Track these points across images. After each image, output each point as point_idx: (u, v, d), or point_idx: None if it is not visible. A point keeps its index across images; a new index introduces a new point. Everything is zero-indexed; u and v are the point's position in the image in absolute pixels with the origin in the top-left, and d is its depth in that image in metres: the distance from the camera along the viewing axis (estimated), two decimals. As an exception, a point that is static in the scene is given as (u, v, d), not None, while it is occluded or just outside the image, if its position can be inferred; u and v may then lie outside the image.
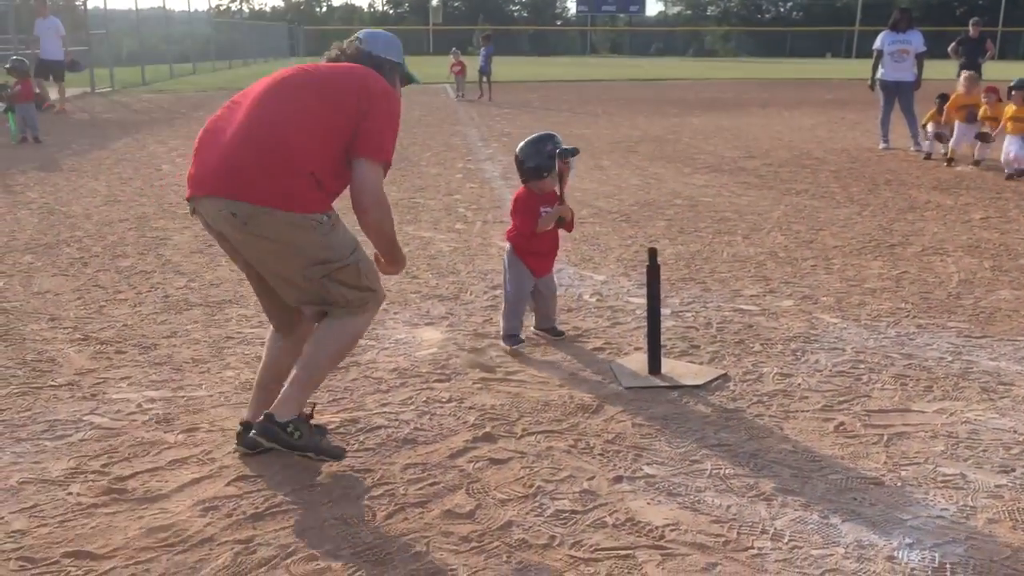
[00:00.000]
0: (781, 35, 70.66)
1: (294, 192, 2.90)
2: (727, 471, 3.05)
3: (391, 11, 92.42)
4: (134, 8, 32.38)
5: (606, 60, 59.15)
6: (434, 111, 18.80)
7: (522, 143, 4.31)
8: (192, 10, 77.80)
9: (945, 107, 11.00)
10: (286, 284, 3.05)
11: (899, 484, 2.97)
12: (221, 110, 3.12)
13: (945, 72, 14.42)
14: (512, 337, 4.26)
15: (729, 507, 2.81)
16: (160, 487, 2.92)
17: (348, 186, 3.03)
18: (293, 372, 3.09)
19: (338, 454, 3.12)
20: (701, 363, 4.12)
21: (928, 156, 11.04)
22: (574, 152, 4.20)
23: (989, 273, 5.72)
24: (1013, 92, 9.95)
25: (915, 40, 12.13)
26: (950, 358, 4.18)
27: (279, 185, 2.89)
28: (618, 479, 2.98)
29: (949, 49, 14.86)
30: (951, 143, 10.63)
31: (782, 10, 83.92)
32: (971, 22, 14.75)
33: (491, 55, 21.71)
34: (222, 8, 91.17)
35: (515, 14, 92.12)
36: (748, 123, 16.04)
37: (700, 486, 2.94)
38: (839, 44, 64.69)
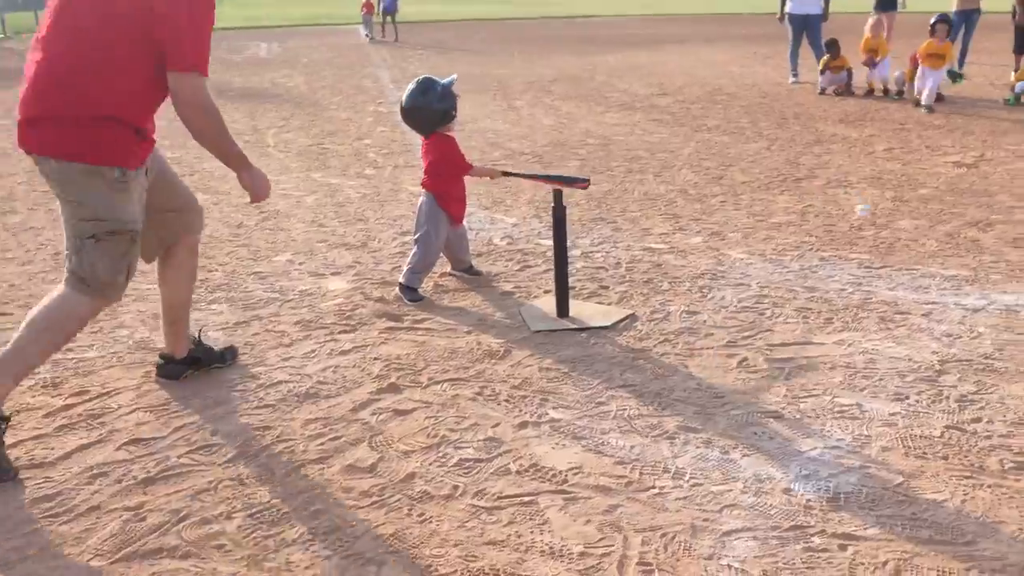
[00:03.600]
0: None
1: (88, 143, 2.68)
2: (632, 412, 3.06)
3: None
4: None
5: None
6: (344, 52, 18.32)
7: (411, 94, 4.14)
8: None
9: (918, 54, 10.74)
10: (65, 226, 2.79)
11: (798, 416, 3.01)
12: (36, 34, 2.79)
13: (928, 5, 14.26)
14: (413, 291, 4.17)
15: (633, 448, 2.81)
16: (45, 455, 2.79)
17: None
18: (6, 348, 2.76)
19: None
20: (610, 304, 4.11)
21: (823, 91, 11.19)
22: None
23: (890, 204, 5.84)
24: (936, 26, 10.00)
25: (822, -27, 12.21)
26: (851, 289, 4.26)
27: (72, 138, 2.68)
28: (523, 425, 2.96)
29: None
30: (916, 88, 10.08)
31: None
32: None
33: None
34: None
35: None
36: (663, 60, 16.03)
37: (605, 428, 2.94)
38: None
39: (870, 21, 11.06)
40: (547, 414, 3.04)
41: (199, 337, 3.39)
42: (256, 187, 2.99)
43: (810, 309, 4.01)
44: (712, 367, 3.42)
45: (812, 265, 4.63)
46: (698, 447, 2.82)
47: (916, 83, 10.11)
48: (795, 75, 12.38)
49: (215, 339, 3.62)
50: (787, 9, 12.37)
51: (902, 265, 4.61)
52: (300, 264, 4.66)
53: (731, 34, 21.90)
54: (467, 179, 4.36)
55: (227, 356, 3.44)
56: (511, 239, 5.15)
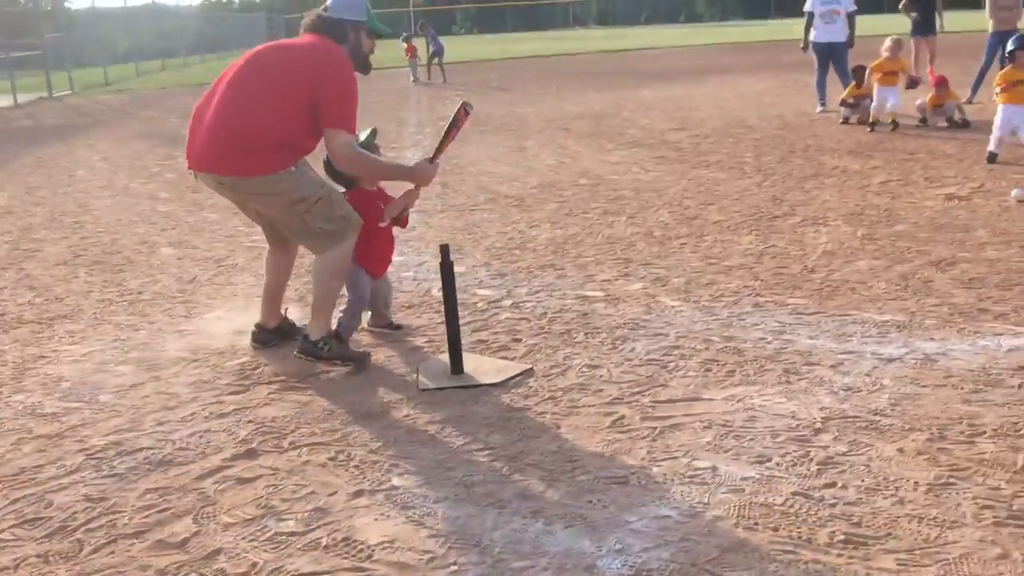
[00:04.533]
0: None
1: (262, 161, 3.71)
2: (477, 478, 2.99)
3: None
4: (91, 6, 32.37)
5: (587, 32, 58.61)
6: (386, 96, 18.64)
7: None
8: (182, 4, 77.99)
9: (866, 74, 10.59)
10: (283, 225, 3.97)
11: (644, 482, 2.90)
12: (203, 96, 3.89)
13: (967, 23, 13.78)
14: (343, 339, 4.16)
15: (458, 518, 2.74)
16: None
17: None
18: (311, 302, 3.97)
19: (361, 358, 3.98)
20: (514, 358, 4.05)
21: (846, 120, 10.89)
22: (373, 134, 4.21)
23: (857, 243, 5.62)
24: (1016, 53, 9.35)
25: (844, 0, 11.95)
26: (770, 338, 4.10)
27: (249, 158, 3.71)
28: (359, 493, 2.92)
29: (900, 6, 14.53)
30: (872, 106, 10.20)
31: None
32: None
33: (437, 36, 21.49)
34: (212, 1, 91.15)
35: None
36: (698, 92, 15.87)
37: (440, 496, 2.88)
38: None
39: (887, 43, 10.40)
40: (389, 481, 2.99)
41: (286, 314, 4.40)
42: (417, 178, 4.06)
43: (717, 361, 3.87)
44: (584, 427, 3.33)
45: (743, 312, 4.48)
46: (524, 518, 2.73)
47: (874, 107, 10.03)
48: (823, 104, 12.10)
49: (105, 402, 3.69)
50: (811, 37, 12.15)
51: (837, 310, 4.42)
52: (228, 321, 4.73)
53: (777, 62, 21.51)
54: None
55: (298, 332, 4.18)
56: (450, 290, 5.11)
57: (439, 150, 4.19)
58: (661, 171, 8.50)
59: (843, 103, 11.03)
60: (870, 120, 10.10)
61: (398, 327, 4.47)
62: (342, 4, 3.90)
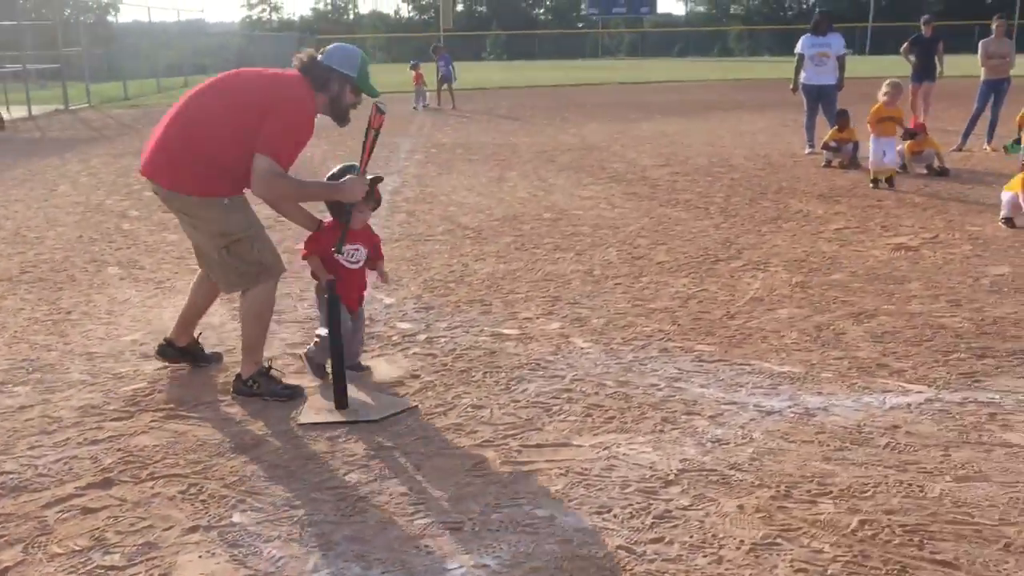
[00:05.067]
0: (798, 32, 69.10)
1: (198, 181, 3.80)
2: (317, 517, 3.01)
3: (416, 17, 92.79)
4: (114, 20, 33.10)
5: (614, 63, 58.83)
6: (388, 121, 18.77)
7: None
8: (224, 20, 79.61)
9: (867, 121, 10.38)
10: (204, 252, 4.05)
11: (478, 529, 2.91)
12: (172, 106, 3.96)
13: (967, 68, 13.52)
14: (320, 367, 4.22)
15: (280, 559, 2.77)
16: None
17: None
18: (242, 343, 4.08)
19: (292, 393, 4.00)
20: (405, 395, 4.07)
21: (828, 163, 10.85)
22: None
23: (788, 290, 5.61)
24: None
25: (835, 43, 11.97)
26: (662, 385, 4.10)
27: (186, 175, 3.81)
28: (194, 529, 2.95)
29: (901, 50, 14.51)
30: (871, 162, 9.50)
31: (804, 7, 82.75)
32: (922, 20, 14.38)
33: (450, 62, 21.66)
34: (252, 19, 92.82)
35: (540, 17, 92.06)
36: (697, 128, 15.88)
37: (272, 535, 2.90)
38: (856, 40, 63.39)
39: (885, 87, 9.92)
40: (230, 517, 3.02)
41: (198, 338, 4.43)
42: (345, 195, 3.99)
43: (601, 407, 3.88)
44: (444, 469, 3.34)
45: (647, 357, 4.48)
46: (346, 561, 2.75)
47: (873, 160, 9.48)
48: (811, 146, 12.07)
49: (-11, 423, 3.75)
50: (801, 79, 12.15)
51: (740, 359, 4.41)
52: (142, 345, 4.78)
53: (785, 101, 21.32)
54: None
55: (212, 359, 4.43)
56: (371, 320, 5.15)
57: (363, 162, 4.17)
58: (628, 208, 8.52)
59: (825, 146, 11.02)
60: (871, 178, 9.38)
61: (363, 368, 4.34)
62: (337, 55, 3.95)
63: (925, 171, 10.06)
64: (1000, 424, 3.60)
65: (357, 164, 4.08)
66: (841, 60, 11.94)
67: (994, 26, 12.55)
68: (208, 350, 4.51)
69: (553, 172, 10.94)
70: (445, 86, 21.85)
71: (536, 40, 77.82)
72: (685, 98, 23.84)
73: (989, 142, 12.19)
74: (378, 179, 4.18)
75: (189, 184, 3.83)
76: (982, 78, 12.41)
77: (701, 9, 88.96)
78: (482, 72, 40.23)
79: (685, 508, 3.00)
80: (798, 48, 12.18)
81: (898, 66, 14.84)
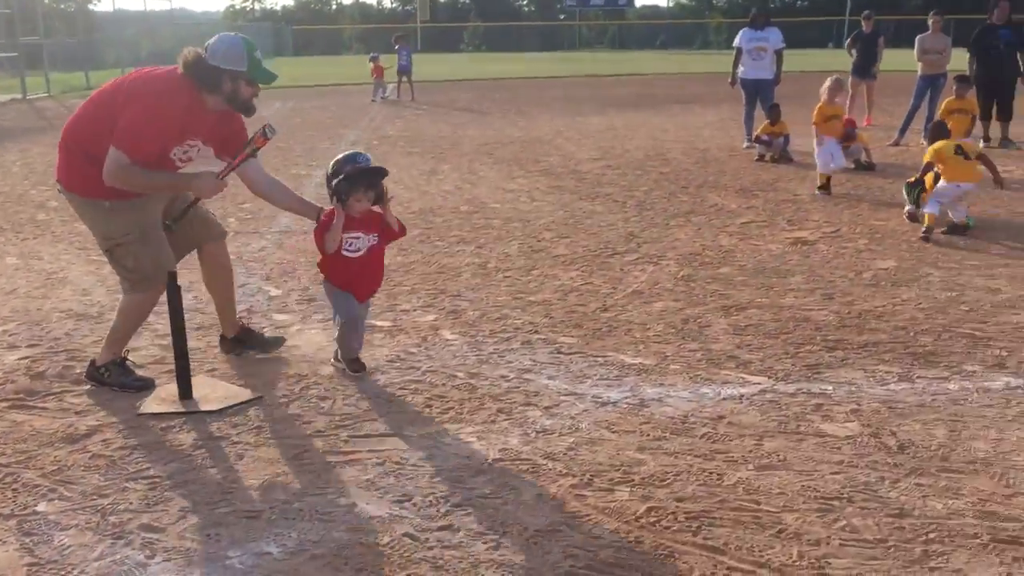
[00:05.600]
0: (784, 25, 68.90)
1: (82, 180, 3.88)
2: (121, 507, 3.04)
3: (399, 8, 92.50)
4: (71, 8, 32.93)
5: (593, 55, 58.76)
6: (343, 111, 18.80)
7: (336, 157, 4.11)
8: (210, 10, 79.42)
9: (813, 122, 10.23)
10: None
11: (275, 517, 2.95)
12: None
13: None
14: (354, 361, 4.19)
15: (68, 547, 2.80)
16: None
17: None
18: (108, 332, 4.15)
19: (140, 386, 4.03)
20: (254, 386, 4.10)
21: (761, 157, 10.94)
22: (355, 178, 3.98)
23: (671, 284, 5.67)
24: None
25: (772, 37, 12.03)
26: (512, 376, 4.15)
27: (74, 173, 3.93)
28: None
29: (845, 46, 14.63)
30: (819, 166, 8.90)
31: (786, 0, 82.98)
32: (863, 15, 14.51)
33: (410, 55, 21.63)
34: (236, 9, 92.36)
35: (524, 9, 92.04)
36: (646, 122, 15.93)
37: (70, 524, 2.93)
38: (833, 33, 63.40)
39: (827, 83, 9.38)
40: (35, 506, 3.05)
41: (245, 324, 4.58)
42: (197, 190, 3.98)
43: (443, 398, 3.93)
44: (265, 459, 3.38)
45: (508, 349, 4.53)
46: (133, 549, 2.79)
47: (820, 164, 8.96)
48: (749, 139, 12.14)
49: None
50: (739, 74, 12.22)
51: (597, 351, 4.47)
52: (11, 335, 4.80)
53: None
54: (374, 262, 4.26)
55: (270, 344, 4.49)
56: (250, 311, 5.17)
57: (226, 169, 4.14)
58: (546, 201, 8.57)
59: (757, 139, 11.11)
60: (818, 184, 8.77)
61: (361, 367, 4.20)
62: (220, 52, 3.86)
63: (852, 166, 10.15)
64: (822, 415, 3.68)
65: (360, 152, 4.09)
66: (778, 54, 12.01)
67: (930, 22, 12.69)
68: (269, 335, 4.64)
69: (487, 165, 10.97)
70: (404, 78, 21.83)
71: (513, 31, 77.67)
72: (645, 92, 23.89)
73: (925, 137, 12.31)
74: (383, 172, 4.07)
75: (79, 184, 3.92)
76: (919, 73, 12.54)
77: (684, 1, 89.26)
78: (455, 64, 40.16)
79: (485, 496, 3.06)
80: (736, 42, 12.26)
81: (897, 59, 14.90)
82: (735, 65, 12.26)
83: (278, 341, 4.57)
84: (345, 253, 4.10)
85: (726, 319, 4.95)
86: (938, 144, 7.14)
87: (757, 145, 11.12)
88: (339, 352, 4.26)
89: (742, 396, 3.89)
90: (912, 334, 4.65)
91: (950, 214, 6.95)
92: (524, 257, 6.43)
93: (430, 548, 2.76)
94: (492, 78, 30.52)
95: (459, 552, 2.73)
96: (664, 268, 6.05)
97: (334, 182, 4.00)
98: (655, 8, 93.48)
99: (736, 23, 77.15)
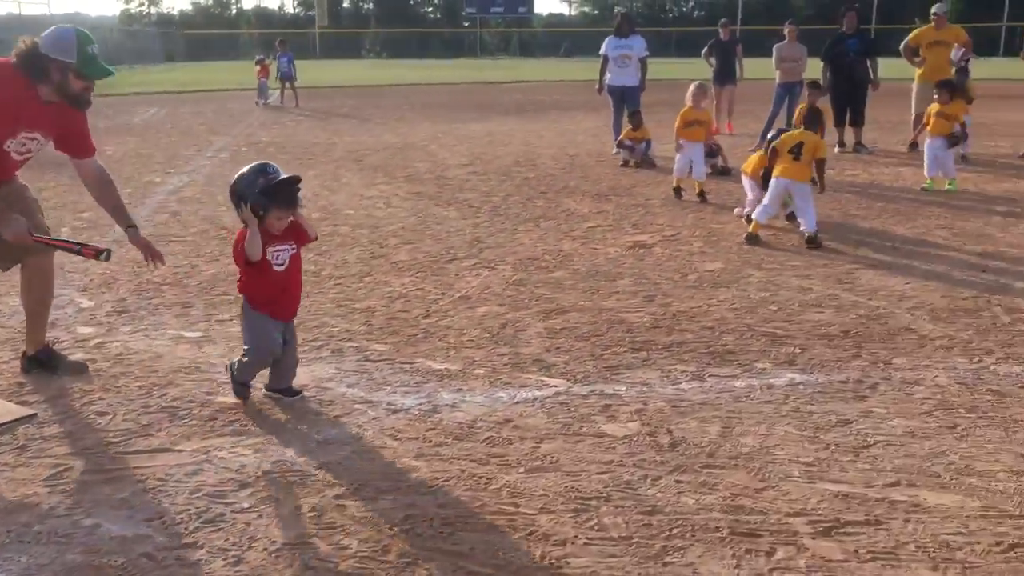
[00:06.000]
0: (683, 34, 70.36)
1: None
2: None
3: (302, 13, 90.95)
4: None
5: (494, 62, 58.99)
6: (219, 117, 18.37)
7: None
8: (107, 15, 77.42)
9: (675, 127, 10.26)
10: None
11: (6, 542, 2.80)
12: None
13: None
14: (243, 386, 3.91)
15: None
16: None
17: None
18: None
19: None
20: (34, 402, 3.92)
21: (626, 163, 11.13)
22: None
23: (500, 289, 5.68)
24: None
25: (636, 45, 12.26)
26: (312, 385, 4.08)
27: None
28: None
29: (703, 54, 15.04)
30: (676, 170, 8.99)
31: (684, 10, 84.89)
32: (720, 23, 14.94)
33: (292, 60, 21.30)
34: (131, 13, 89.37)
35: (429, 15, 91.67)
36: (525, 128, 16.03)
37: None
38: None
39: (692, 88, 9.52)
40: None
41: (49, 344, 4.34)
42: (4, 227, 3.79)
43: (232, 410, 3.82)
44: (19, 480, 3.23)
45: (316, 358, 4.45)
46: None
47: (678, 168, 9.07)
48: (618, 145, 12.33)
49: None
50: (606, 81, 12.39)
51: (405, 358, 4.44)
52: None
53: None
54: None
55: (71, 369, 4.24)
56: (52, 325, 4.95)
57: (45, 238, 4.03)
58: (402, 207, 8.51)
59: (620, 144, 11.29)
60: (673, 187, 8.92)
61: (297, 393, 3.94)
62: (50, 42, 3.80)
63: (709, 170, 10.40)
64: (607, 415, 3.72)
65: (268, 163, 3.75)
66: (643, 62, 12.24)
67: (786, 31, 13.14)
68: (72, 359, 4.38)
69: (352, 172, 10.85)
70: (287, 84, 21.47)
71: (416, 38, 77.35)
72: (533, 98, 24.09)
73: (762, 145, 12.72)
74: (298, 179, 3.75)
75: None
76: (777, 81, 12.96)
77: (586, 10, 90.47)
78: (352, 70, 39.80)
79: (241, 511, 2.98)
80: (602, 50, 12.44)
81: (764, 67, 15.18)
82: (602, 73, 12.43)
83: (81, 368, 4.27)
84: (275, 267, 3.78)
85: (544, 323, 4.98)
86: (784, 137, 7.17)
87: (621, 151, 11.30)
88: (234, 368, 3.92)
89: (535, 399, 3.90)
90: (717, 333, 4.76)
91: (801, 225, 6.99)
92: (362, 264, 6.36)
93: (165, 567, 2.66)
94: (385, 84, 30.34)
95: (194, 570, 2.65)
96: (499, 273, 6.06)
97: (250, 201, 3.62)
98: (560, 16, 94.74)
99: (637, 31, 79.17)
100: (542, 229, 7.47)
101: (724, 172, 10.33)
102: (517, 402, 3.88)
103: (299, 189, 3.75)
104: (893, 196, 8.88)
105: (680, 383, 4.09)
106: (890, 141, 13.19)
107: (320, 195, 9.24)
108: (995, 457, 3.33)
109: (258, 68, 21.91)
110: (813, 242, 6.71)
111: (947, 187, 9.03)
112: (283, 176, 3.67)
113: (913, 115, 12.07)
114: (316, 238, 4.03)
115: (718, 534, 2.81)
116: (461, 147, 13.27)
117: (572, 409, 3.79)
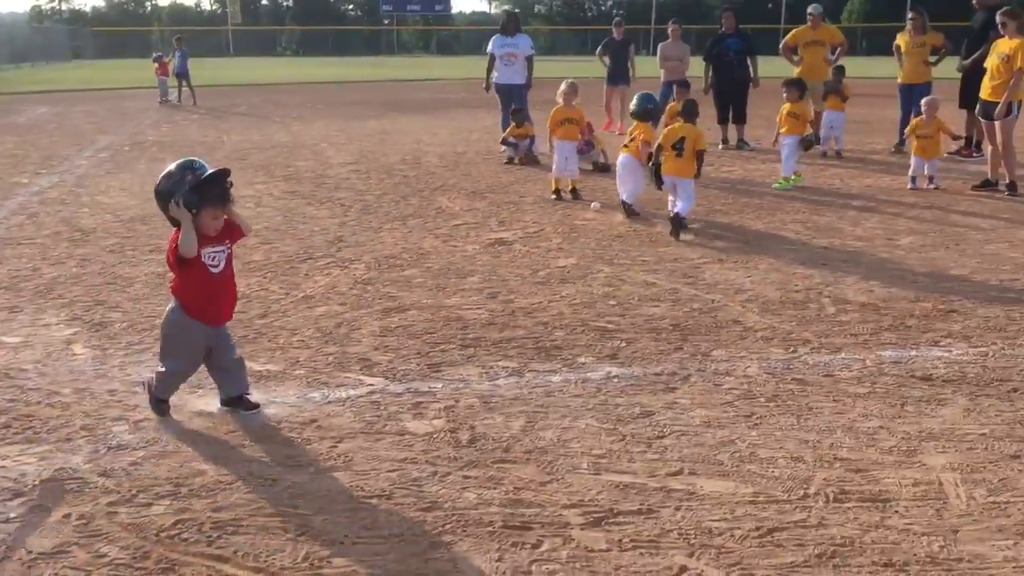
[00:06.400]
0: (602, 33, 70.38)
1: None
2: None
3: (218, 11, 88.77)
4: None
5: (413, 60, 58.62)
6: (110, 116, 17.86)
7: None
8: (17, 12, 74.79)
9: (548, 126, 10.24)
10: None
11: None
12: None
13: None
14: (162, 403, 3.68)
15: None
16: None
17: None
18: None
19: None
20: None
21: (510, 160, 11.17)
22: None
23: (347, 288, 5.64)
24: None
25: (522, 43, 12.32)
26: (122, 390, 3.99)
27: None
28: None
29: (597, 53, 15.18)
30: (555, 170, 8.90)
31: (603, 8, 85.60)
32: (614, 22, 15.11)
33: (186, 57, 20.84)
34: (41, 9, 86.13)
35: (349, 13, 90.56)
36: (422, 125, 15.97)
37: None
38: (640, 40, 65.62)
39: (562, 87, 9.40)
40: None
41: None
42: None
43: (29, 416, 3.72)
44: None
45: (133, 362, 4.36)
46: None
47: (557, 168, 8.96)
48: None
49: None
50: (493, 79, 12.41)
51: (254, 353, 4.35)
52: None
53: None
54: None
55: None
56: None
57: None
58: (273, 207, 8.39)
59: (504, 142, 11.33)
60: (552, 189, 8.78)
61: (255, 406, 3.72)
62: None
63: (591, 167, 10.52)
64: (415, 413, 3.72)
65: (193, 159, 3.56)
66: (529, 60, 12.29)
67: (670, 30, 13.37)
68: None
69: (232, 171, 10.62)
70: (184, 82, 21.00)
71: (333, 36, 76.36)
72: (440, 96, 24.05)
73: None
74: (227, 172, 3.56)
75: None
76: (661, 79, 13.17)
77: (507, 8, 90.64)
78: (262, 69, 39.10)
79: (7, 521, 2.89)
80: (488, 48, 12.47)
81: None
82: (489, 71, 12.44)
83: None
84: (211, 269, 3.59)
85: (380, 322, 4.96)
86: (667, 132, 7.34)
87: (505, 148, 11.35)
88: (151, 385, 3.71)
89: (347, 399, 3.88)
90: (550, 329, 4.81)
91: (670, 206, 7.29)
92: (212, 265, 6.23)
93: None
94: (294, 83, 29.89)
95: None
96: (350, 272, 6.01)
97: (182, 200, 3.42)
98: (484, 15, 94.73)
99: (556, 30, 78.95)
100: (408, 227, 7.44)
101: (603, 169, 10.45)
102: (329, 402, 3.85)
103: (231, 184, 3.60)
104: (760, 192, 9.11)
105: (498, 379, 4.12)
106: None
107: (191, 195, 9.02)
108: (780, 444, 3.44)
109: (156, 66, 21.37)
110: (677, 222, 6.94)
111: (776, 186, 9.24)
112: (210, 171, 3.49)
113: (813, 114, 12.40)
114: (250, 231, 3.85)
115: (489, 528, 2.84)
116: (352, 145, 13.15)
117: (381, 408, 3.78)
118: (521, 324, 4.90)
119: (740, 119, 12.65)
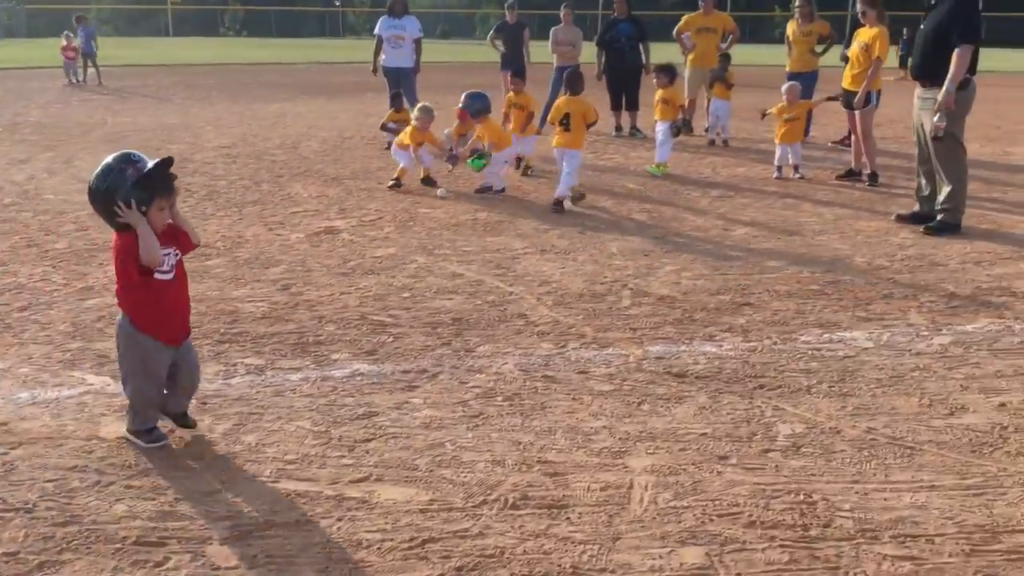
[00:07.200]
0: (539, 17, 69.63)
1: None
2: None
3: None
4: None
5: (356, 42, 57.76)
6: (8, 96, 17.23)
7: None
8: None
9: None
10: None
11: None
12: None
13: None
14: (151, 432, 3.28)
15: None
16: None
17: None
18: None
19: None
20: None
21: (389, 145, 10.90)
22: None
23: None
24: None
25: (409, 26, 12.03)
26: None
27: None
28: None
29: (489, 38, 14.86)
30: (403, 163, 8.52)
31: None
32: (507, 5, 14.79)
33: (92, 36, 20.20)
34: None
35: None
36: (322, 109, 15.63)
37: None
38: (587, 27, 65.35)
39: (416, 114, 8.63)
40: None
41: None
42: None
43: None
44: None
45: None
46: None
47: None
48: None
49: None
50: (380, 62, 12.12)
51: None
52: None
53: (452, 83, 21.79)
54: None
55: None
56: None
57: None
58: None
59: (383, 127, 11.06)
60: (392, 178, 8.45)
61: (192, 424, 3.38)
62: None
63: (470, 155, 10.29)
64: (120, 416, 3.48)
65: (131, 151, 3.20)
66: (417, 43, 12.02)
67: (562, 15, 13.16)
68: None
69: (94, 154, 10.21)
70: (88, 62, 20.37)
71: (278, 16, 74.95)
72: (358, 79, 23.47)
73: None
74: (169, 160, 3.17)
75: None
76: (554, 64, 12.97)
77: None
78: (196, 50, 38.22)
79: None
80: (376, 30, 12.18)
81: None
82: (376, 53, 12.14)
83: None
84: (159, 276, 3.19)
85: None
86: (553, 110, 7.80)
87: (385, 134, 11.08)
88: (128, 428, 3.32)
89: (55, 399, 3.64)
90: (322, 323, 4.61)
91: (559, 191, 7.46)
92: (9, 252, 5.92)
93: None
94: (222, 63, 29.22)
95: None
96: (212, 258, 5.72)
97: (130, 197, 3.05)
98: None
99: (501, 14, 79.09)
100: (241, 215, 7.17)
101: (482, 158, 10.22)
102: (33, 403, 3.60)
103: (174, 176, 3.20)
104: (628, 178, 8.98)
105: (233, 377, 3.90)
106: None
107: (36, 177, 8.68)
108: (489, 447, 3.27)
109: (64, 44, 20.68)
110: (559, 205, 7.33)
111: (650, 169, 9.15)
112: (152, 162, 3.13)
113: (686, 100, 12.30)
114: (199, 243, 3.43)
115: (118, 545, 2.62)
116: (237, 129, 12.79)
117: (86, 410, 3.55)
118: (295, 318, 4.68)
119: (633, 106, 12.53)
